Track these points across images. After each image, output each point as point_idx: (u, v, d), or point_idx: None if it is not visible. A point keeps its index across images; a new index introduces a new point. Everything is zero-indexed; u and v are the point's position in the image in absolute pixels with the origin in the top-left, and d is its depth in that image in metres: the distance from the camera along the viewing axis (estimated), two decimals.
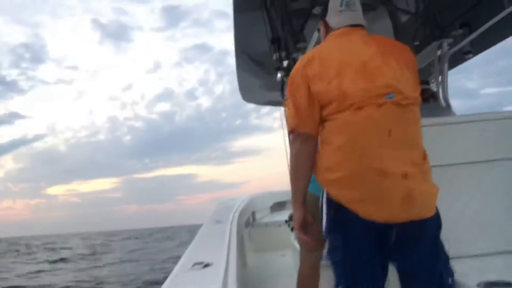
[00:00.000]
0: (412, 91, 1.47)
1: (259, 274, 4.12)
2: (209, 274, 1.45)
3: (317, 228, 1.59)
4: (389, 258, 1.47)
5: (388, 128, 1.37)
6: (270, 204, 6.33)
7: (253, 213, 5.61)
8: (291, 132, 1.55)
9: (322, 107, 1.46)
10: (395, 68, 1.45)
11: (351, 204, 1.39)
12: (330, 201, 1.45)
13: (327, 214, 1.48)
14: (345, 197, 1.41)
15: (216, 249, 1.92)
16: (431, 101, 3.09)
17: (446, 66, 3.44)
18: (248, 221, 5.25)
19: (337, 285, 1.46)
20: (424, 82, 3.62)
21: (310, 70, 1.48)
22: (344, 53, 1.50)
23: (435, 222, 1.44)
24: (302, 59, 1.55)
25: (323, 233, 1.51)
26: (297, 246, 3.10)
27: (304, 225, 1.58)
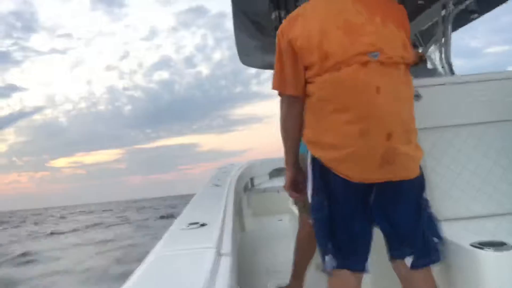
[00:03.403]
0: (400, 49, 1.42)
1: (256, 237, 4.19)
2: (204, 232, 1.45)
3: (306, 188, 1.62)
4: (371, 216, 1.48)
5: (375, 85, 1.35)
6: (269, 170, 6.38)
7: (252, 179, 5.66)
8: (277, 93, 1.57)
9: (305, 68, 1.45)
10: (380, 25, 1.41)
11: (332, 163, 1.41)
12: (314, 160, 1.48)
13: (311, 172, 1.51)
14: (326, 156, 1.43)
15: (213, 210, 1.93)
16: (420, 64, 3.02)
17: (450, 27, 3.33)
18: (247, 187, 5.30)
19: (323, 241, 1.49)
20: (414, 45, 3.53)
21: (293, 30, 1.47)
22: (328, 11, 1.46)
23: (417, 183, 1.44)
24: (287, 19, 1.54)
25: (309, 193, 1.54)
26: (295, 211, 3.12)
27: (295, 184, 1.66)
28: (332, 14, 1.44)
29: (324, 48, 1.38)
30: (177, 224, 1.61)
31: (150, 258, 1.22)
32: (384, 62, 1.37)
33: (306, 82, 1.48)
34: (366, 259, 1.47)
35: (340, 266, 1.44)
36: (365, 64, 1.35)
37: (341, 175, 1.40)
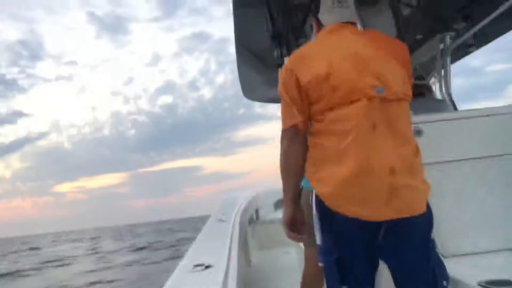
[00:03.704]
0: (402, 85, 1.44)
1: (263, 271, 4.12)
2: (209, 275, 1.44)
3: (308, 225, 1.59)
4: (379, 256, 1.46)
5: (372, 122, 1.35)
6: (274, 200, 6.33)
7: (257, 211, 5.61)
8: (282, 129, 1.53)
9: (311, 103, 1.45)
10: (384, 60, 1.43)
11: (336, 203, 1.39)
12: (318, 199, 1.45)
13: (316, 212, 1.47)
14: (330, 195, 1.40)
15: (218, 249, 1.92)
16: (427, 94, 3.06)
17: (448, 59, 3.40)
18: (252, 219, 5.25)
19: (330, 285, 1.46)
20: (420, 77, 3.59)
21: (299, 65, 1.47)
22: (334, 47, 1.48)
23: (425, 220, 1.42)
24: (293, 56, 1.54)
25: (317, 233, 1.50)
26: (302, 244, 3.09)
27: (293, 222, 1.58)
28: (339, 47, 1.46)
29: (331, 81, 1.39)
30: (183, 265, 1.61)
31: None
32: (386, 98, 1.38)
33: (311, 119, 1.47)
34: None
35: None
36: (370, 99, 1.36)
37: (349, 215, 1.37)
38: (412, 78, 1.54)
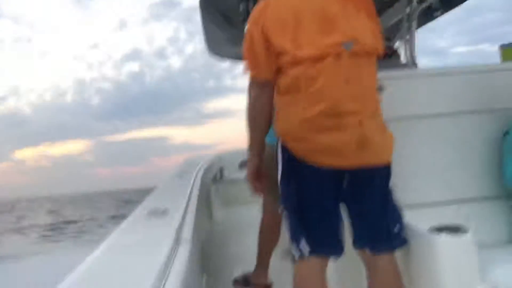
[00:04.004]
0: (371, 38, 1.44)
1: (225, 227, 4.19)
2: (164, 220, 1.42)
3: (269, 178, 1.60)
4: (342, 202, 1.50)
5: (346, 76, 1.36)
6: (239, 161, 6.35)
7: (221, 170, 5.62)
8: (247, 73, 1.53)
9: (278, 54, 1.42)
10: (353, 15, 1.42)
11: (304, 153, 1.40)
12: (284, 149, 1.46)
13: (281, 162, 1.49)
14: (298, 147, 1.41)
15: (176, 199, 1.90)
16: (394, 57, 3.11)
17: (414, 23, 3.43)
18: (216, 178, 5.27)
19: (292, 232, 1.49)
20: (387, 39, 3.61)
21: (265, 17, 1.44)
22: (300, 1, 1.45)
23: (386, 171, 1.48)
24: (257, 6, 1.50)
25: (279, 181, 1.53)
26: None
27: (258, 174, 1.60)
28: (306, 3, 1.43)
29: (298, 37, 1.37)
30: (137, 212, 1.58)
31: (103, 246, 1.18)
32: (357, 52, 1.38)
33: (278, 71, 1.46)
34: (341, 243, 1.48)
35: (315, 251, 1.45)
36: (338, 55, 1.35)
37: (314, 164, 1.39)
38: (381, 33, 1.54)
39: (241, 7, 3.11)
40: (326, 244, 1.48)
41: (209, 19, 3.77)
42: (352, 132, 1.36)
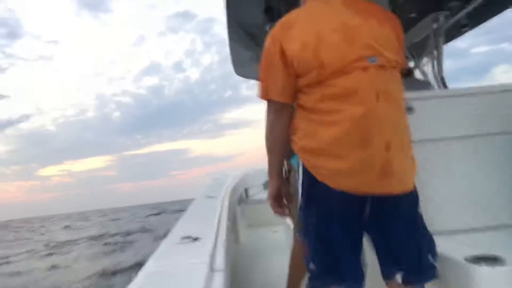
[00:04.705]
0: (395, 53, 1.39)
1: (251, 250, 4.15)
2: (197, 247, 1.43)
3: (295, 200, 1.57)
4: (365, 231, 1.44)
5: (375, 92, 1.30)
6: (263, 180, 6.34)
7: (246, 190, 5.63)
8: (267, 100, 1.48)
9: (298, 76, 1.39)
10: (376, 27, 1.37)
11: (327, 175, 1.35)
12: (305, 171, 1.41)
13: (302, 187, 1.44)
14: (320, 168, 1.36)
15: (206, 224, 1.90)
16: (410, 77, 3.06)
17: (441, 39, 3.37)
18: (241, 198, 5.27)
19: (310, 262, 1.43)
20: (409, 57, 3.56)
21: (287, 37, 1.40)
22: (321, 15, 1.42)
23: (412, 198, 1.41)
24: (278, 24, 1.46)
25: (299, 205, 1.48)
26: (290, 223, 3.10)
27: (279, 195, 1.57)
28: (328, 18, 1.40)
29: (320, 56, 1.33)
30: (170, 238, 1.59)
31: (141, 274, 1.20)
32: (383, 66, 1.33)
33: (299, 91, 1.42)
34: (362, 275, 1.41)
35: (335, 283, 1.38)
36: (365, 69, 1.31)
37: (336, 188, 1.34)
38: (404, 52, 1.50)
39: (267, 27, 3.14)
40: (348, 278, 1.39)
41: (235, 39, 3.82)
42: (378, 156, 1.30)
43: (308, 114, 1.41)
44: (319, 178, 1.37)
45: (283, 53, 1.39)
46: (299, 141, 1.44)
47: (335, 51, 1.33)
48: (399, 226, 1.39)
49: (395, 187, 1.35)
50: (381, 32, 1.38)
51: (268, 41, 1.46)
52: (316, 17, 1.42)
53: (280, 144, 1.50)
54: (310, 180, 1.39)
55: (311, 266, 1.41)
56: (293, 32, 1.40)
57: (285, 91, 1.42)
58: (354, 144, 1.30)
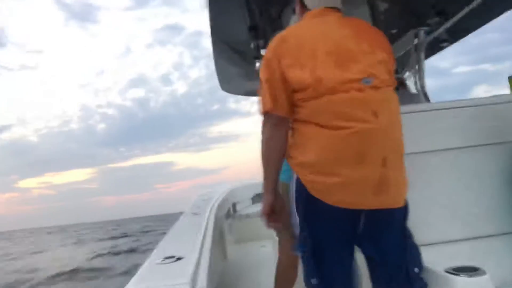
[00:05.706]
0: (386, 73, 1.43)
1: (239, 266, 4.11)
2: (180, 267, 1.41)
3: (284, 215, 1.56)
4: (357, 244, 1.45)
5: (373, 109, 1.33)
6: (251, 195, 6.31)
7: (234, 205, 5.59)
8: (264, 114, 1.48)
9: (295, 91, 1.40)
10: (368, 51, 1.41)
11: (322, 190, 1.36)
12: (300, 189, 1.42)
13: (296, 203, 1.44)
14: (315, 182, 1.37)
15: (190, 242, 1.88)
16: (401, 89, 3.12)
17: (422, 54, 3.46)
18: (229, 213, 5.23)
19: (308, 277, 1.43)
20: (395, 71, 3.64)
21: (283, 51, 1.42)
22: (317, 34, 1.45)
23: (403, 211, 1.43)
24: (274, 39, 1.48)
25: (293, 223, 1.49)
26: (276, 237, 3.08)
27: (273, 210, 1.54)
28: (323, 38, 1.43)
29: (317, 73, 1.36)
30: (152, 258, 1.57)
31: None
32: (378, 86, 1.37)
33: (295, 105, 1.43)
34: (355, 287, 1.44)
35: None
36: (360, 90, 1.34)
37: (332, 204, 1.35)
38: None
39: (252, 44, 3.17)
40: None
41: (221, 56, 3.85)
42: (374, 171, 1.32)
43: (304, 128, 1.42)
44: (314, 193, 1.37)
45: (281, 68, 1.41)
46: (295, 156, 1.44)
47: (330, 69, 1.36)
48: (390, 239, 1.41)
49: (391, 202, 1.37)
50: (373, 56, 1.41)
51: (266, 55, 1.47)
52: (312, 36, 1.45)
53: (277, 159, 1.48)
54: (305, 195, 1.39)
55: (314, 281, 1.41)
56: (290, 50, 1.42)
57: (285, 104, 1.43)
58: (350, 160, 1.32)
